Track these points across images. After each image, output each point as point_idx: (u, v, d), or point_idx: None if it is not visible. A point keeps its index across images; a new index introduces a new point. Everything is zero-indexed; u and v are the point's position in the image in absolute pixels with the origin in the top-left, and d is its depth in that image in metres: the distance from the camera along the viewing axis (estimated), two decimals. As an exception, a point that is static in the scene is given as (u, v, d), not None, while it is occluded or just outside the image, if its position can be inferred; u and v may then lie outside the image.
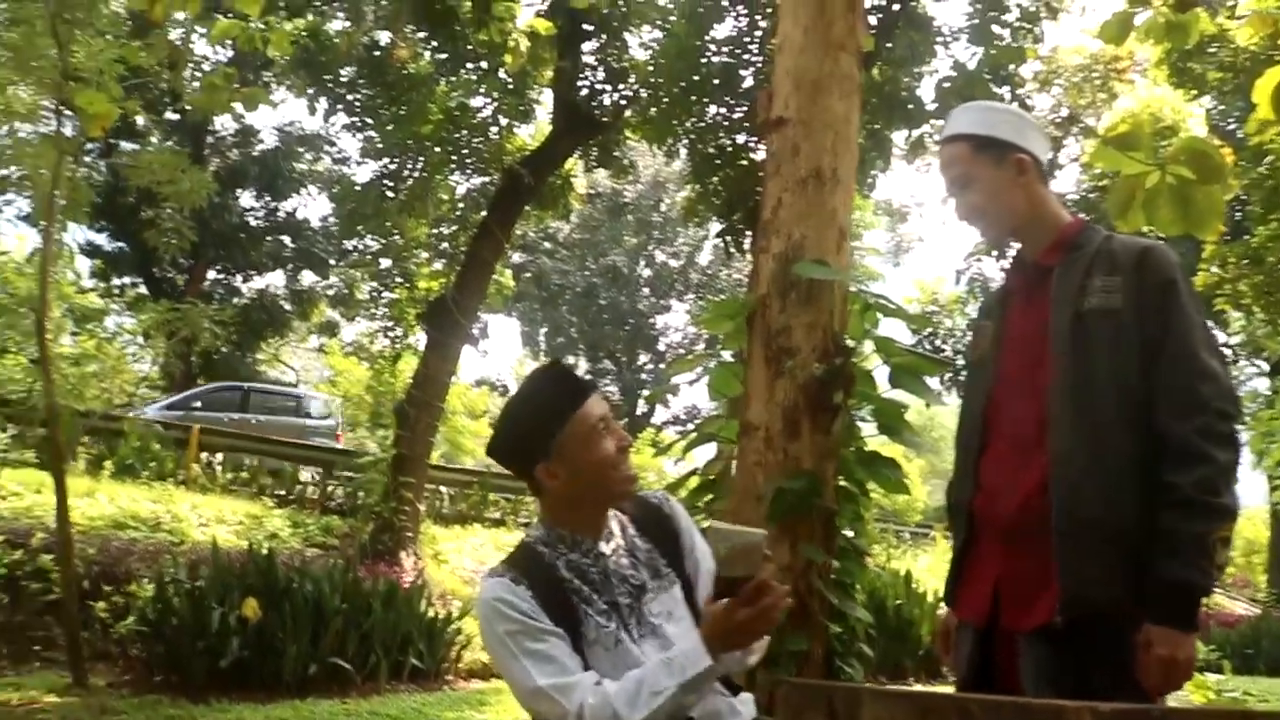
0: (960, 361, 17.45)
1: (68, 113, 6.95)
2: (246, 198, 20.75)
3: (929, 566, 14.24)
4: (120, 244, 19.91)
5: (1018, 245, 2.39)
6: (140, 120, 17.87)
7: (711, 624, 1.81)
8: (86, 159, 13.25)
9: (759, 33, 9.02)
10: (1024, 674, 2.06)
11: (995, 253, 19.39)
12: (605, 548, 2.04)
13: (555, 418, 1.98)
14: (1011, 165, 2.24)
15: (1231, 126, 15.50)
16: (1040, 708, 0.96)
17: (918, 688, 8.29)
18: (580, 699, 1.81)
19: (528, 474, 2.01)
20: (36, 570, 7.47)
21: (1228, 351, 17.15)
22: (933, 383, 3.45)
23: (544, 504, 2.07)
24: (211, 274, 21.36)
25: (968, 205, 2.28)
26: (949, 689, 1.91)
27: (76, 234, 19.60)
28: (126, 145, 18.43)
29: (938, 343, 20.15)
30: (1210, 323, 2.12)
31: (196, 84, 8.14)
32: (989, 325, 2.39)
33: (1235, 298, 11.50)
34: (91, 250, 20.32)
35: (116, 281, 21.22)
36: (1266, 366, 19.05)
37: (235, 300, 20.21)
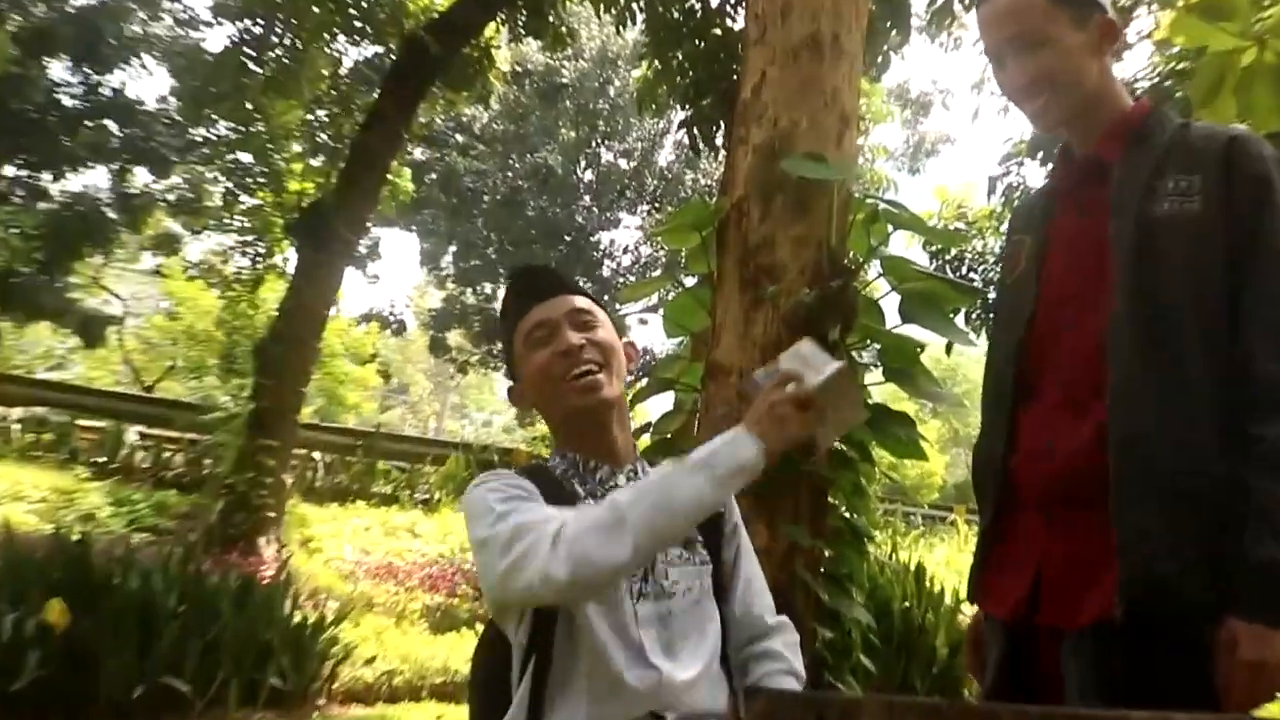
0: (993, 293, 17.59)
1: None
2: (57, 69, 20.25)
3: (946, 559, 14.48)
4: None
5: (1063, 137, 2.36)
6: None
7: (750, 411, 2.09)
8: None
9: None
10: (1068, 681, 2.05)
11: (1040, 154, 19.47)
12: (622, 479, 2.24)
13: (507, 332, 2.32)
14: (1095, 28, 2.19)
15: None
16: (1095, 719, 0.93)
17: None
18: (558, 522, 1.96)
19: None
20: None
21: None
22: (959, 319, 3.42)
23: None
24: (9, 169, 20.92)
25: (1033, 71, 2.20)
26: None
27: None
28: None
29: (964, 270, 20.23)
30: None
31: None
32: (1025, 239, 2.36)
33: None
34: None
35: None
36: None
37: (41, 205, 19.77)
